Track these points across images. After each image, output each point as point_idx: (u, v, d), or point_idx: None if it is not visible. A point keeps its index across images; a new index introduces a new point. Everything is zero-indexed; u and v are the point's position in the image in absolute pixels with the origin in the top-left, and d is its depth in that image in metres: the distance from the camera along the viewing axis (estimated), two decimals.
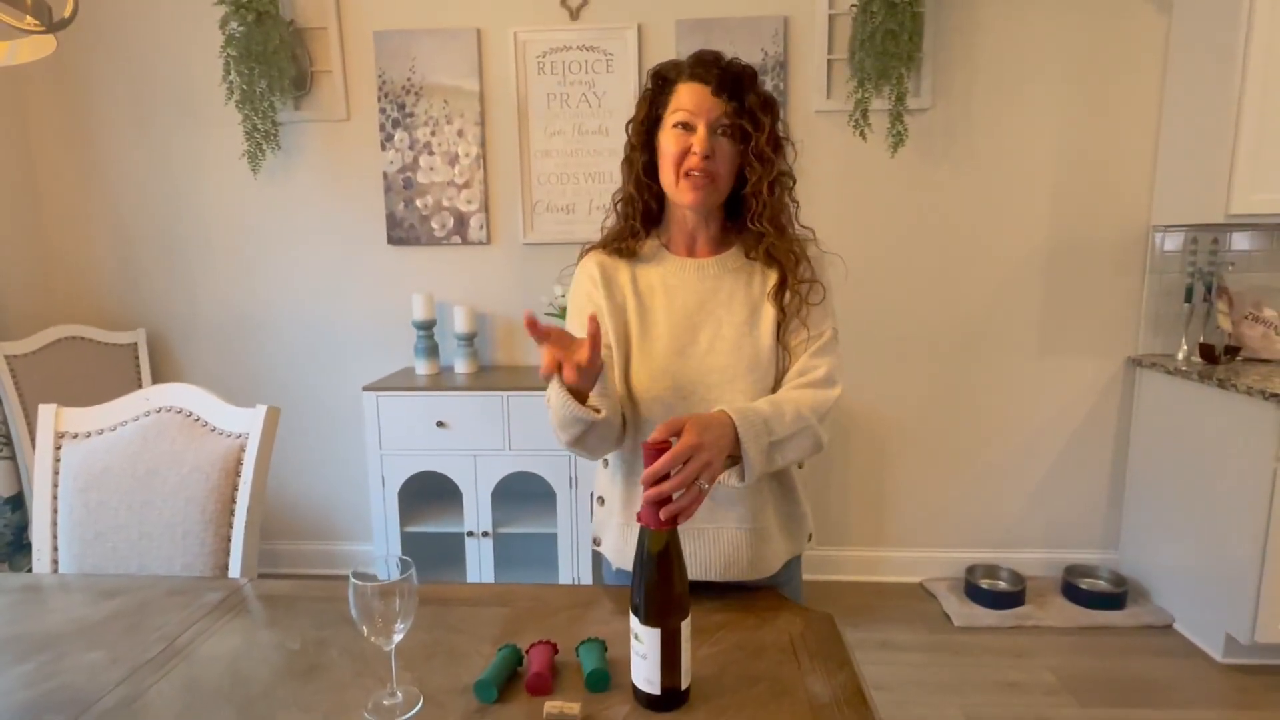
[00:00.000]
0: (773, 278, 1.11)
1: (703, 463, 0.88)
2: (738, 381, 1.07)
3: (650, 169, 1.11)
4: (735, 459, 0.98)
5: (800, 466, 1.17)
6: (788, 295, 1.09)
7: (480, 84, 2.61)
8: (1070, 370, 2.67)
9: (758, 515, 1.10)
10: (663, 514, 0.83)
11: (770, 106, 1.07)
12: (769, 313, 1.09)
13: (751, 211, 1.09)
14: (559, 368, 0.94)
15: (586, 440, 1.03)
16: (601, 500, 1.20)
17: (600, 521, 1.21)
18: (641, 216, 1.15)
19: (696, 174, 1.04)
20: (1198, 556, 2.34)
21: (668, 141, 1.06)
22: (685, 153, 1.04)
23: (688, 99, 1.04)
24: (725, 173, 1.07)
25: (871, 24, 2.33)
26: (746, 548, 1.09)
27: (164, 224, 2.78)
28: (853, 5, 2.41)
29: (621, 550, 1.15)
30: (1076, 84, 2.51)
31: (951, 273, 2.64)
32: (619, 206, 1.17)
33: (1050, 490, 2.75)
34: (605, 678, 0.87)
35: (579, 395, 0.98)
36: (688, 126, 1.04)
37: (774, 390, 1.09)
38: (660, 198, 1.14)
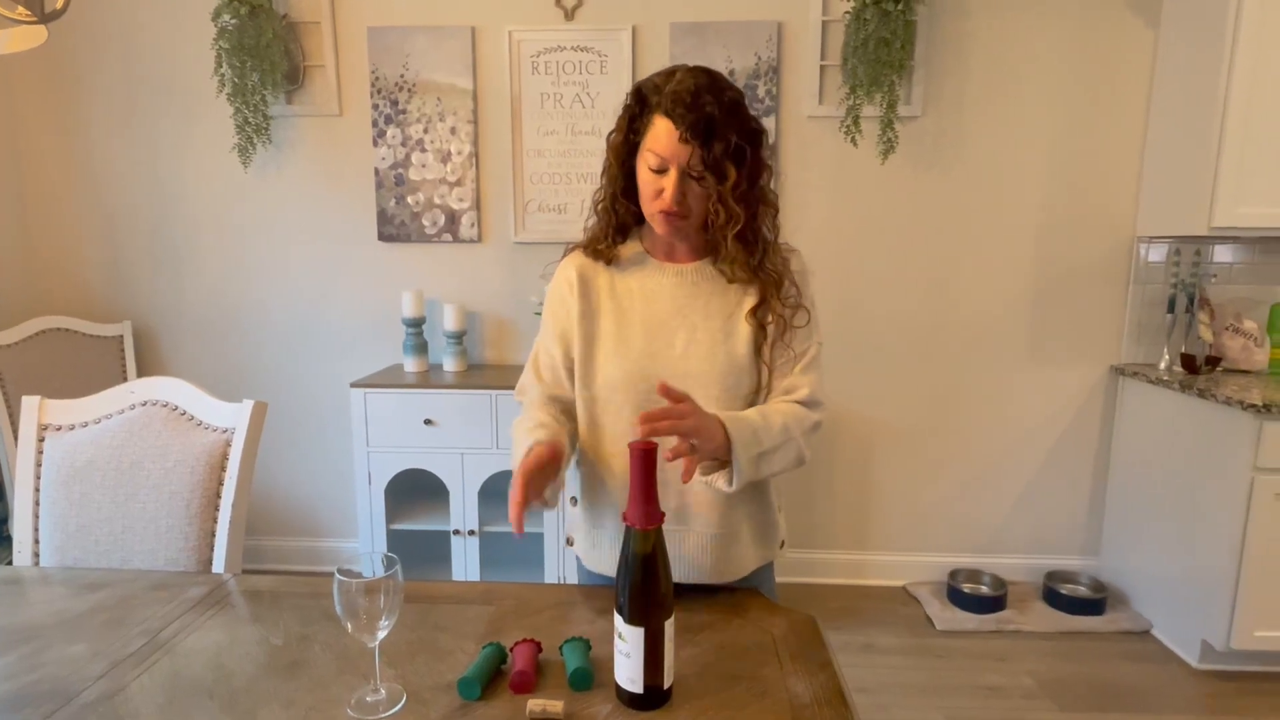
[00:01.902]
0: (752, 291, 1.10)
1: (694, 428, 0.92)
2: (711, 388, 1.07)
3: (627, 190, 1.11)
4: (723, 463, 1.00)
5: None
6: (770, 317, 1.09)
7: (474, 82, 2.61)
8: (1055, 378, 2.70)
9: (727, 520, 1.11)
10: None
11: (741, 153, 1.02)
12: (745, 324, 1.10)
13: (720, 253, 1.09)
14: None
15: None
16: (574, 500, 1.23)
17: (575, 522, 1.24)
18: (617, 229, 1.15)
19: (668, 214, 1.04)
20: (1176, 564, 2.37)
21: (643, 176, 1.06)
22: (658, 193, 1.04)
23: (661, 140, 1.01)
24: (699, 209, 1.05)
25: (864, 31, 2.35)
26: (711, 552, 1.11)
27: (152, 216, 2.76)
28: (846, 12, 2.43)
29: (589, 552, 1.19)
30: (1065, 96, 2.54)
31: (939, 280, 2.66)
32: (597, 210, 1.17)
33: (1033, 496, 2.77)
34: (588, 676, 0.88)
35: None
36: (660, 170, 1.03)
37: (751, 402, 1.10)
38: (638, 212, 1.13)
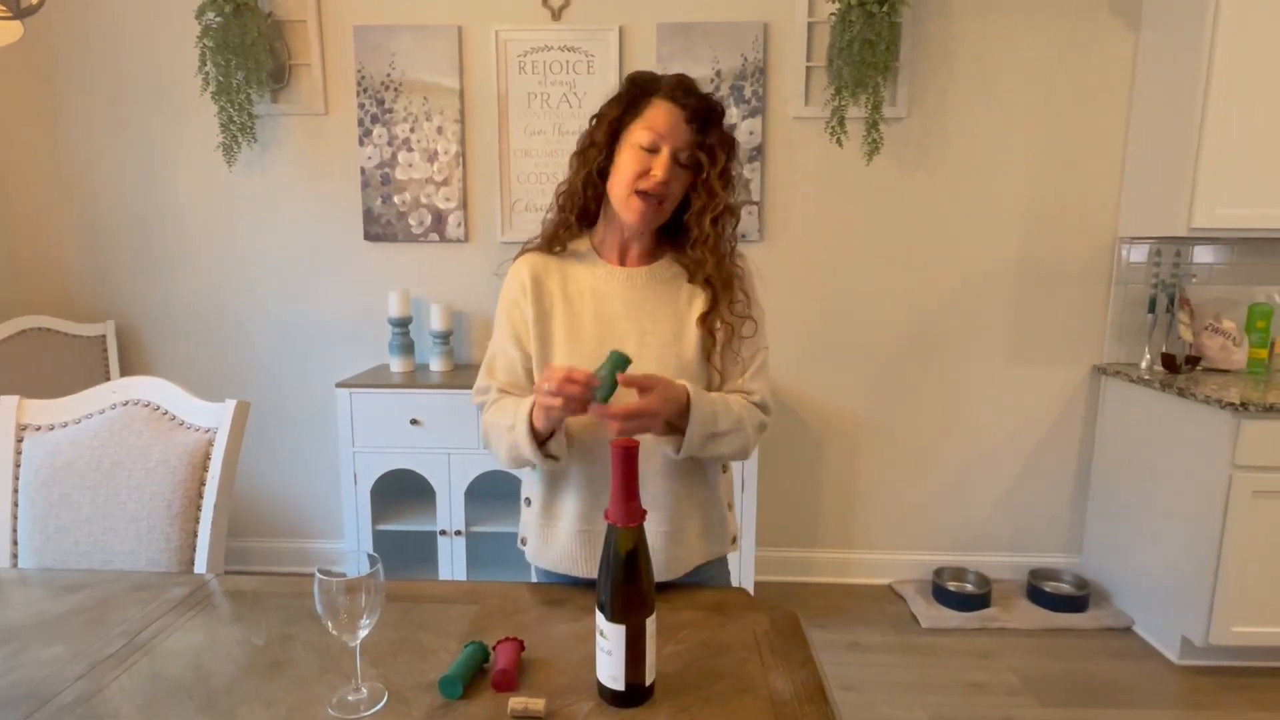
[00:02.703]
0: (701, 297, 1.13)
1: (647, 426, 1.00)
2: None
3: (603, 171, 1.12)
4: (677, 430, 1.05)
5: (725, 470, 1.23)
6: (718, 324, 1.12)
7: (461, 81, 2.61)
8: (1038, 377, 2.72)
9: (675, 517, 1.13)
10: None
11: (728, 145, 1.10)
12: (694, 329, 1.13)
13: (692, 238, 1.12)
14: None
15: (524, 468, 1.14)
16: (529, 501, 1.23)
17: (526, 522, 1.25)
18: (579, 214, 1.17)
19: (650, 195, 1.07)
20: (1156, 561, 2.40)
21: (628, 157, 1.07)
22: (643, 172, 1.06)
23: (661, 119, 1.06)
24: (675, 197, 1.10)
25: (849, 33, 2.37)
26: (662, 549, 1.12)
27: (136, 215, 2.74)
28: (831, 14, 2.44)
29: (542, 550, 1.20)
30: (1048, 98, 2.57)
31: (924, 280, 2.68)
32: (560, 199, 1.18)
33: (1017, 495, 2.80)
34: (619, 366, 0.97)
35: (539, 435, 1.06)
36: (653, 148, 1.06)
37: None
38: (600, 200, 1.16)
